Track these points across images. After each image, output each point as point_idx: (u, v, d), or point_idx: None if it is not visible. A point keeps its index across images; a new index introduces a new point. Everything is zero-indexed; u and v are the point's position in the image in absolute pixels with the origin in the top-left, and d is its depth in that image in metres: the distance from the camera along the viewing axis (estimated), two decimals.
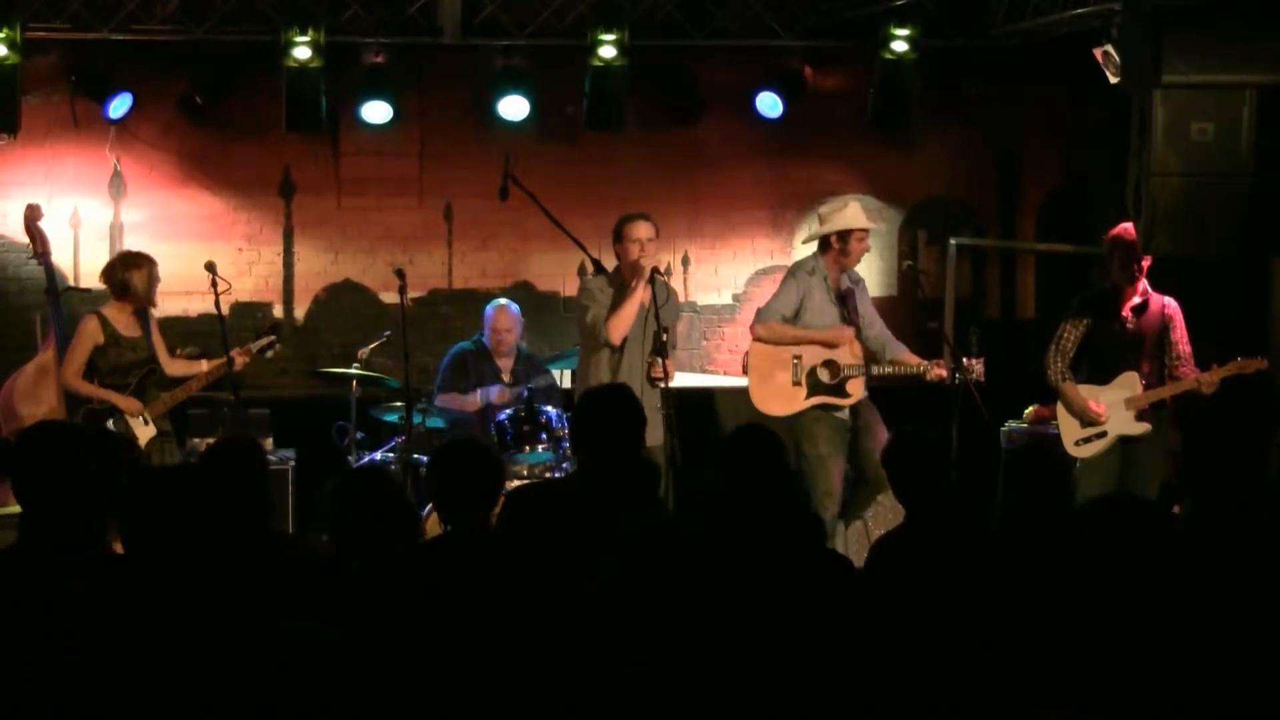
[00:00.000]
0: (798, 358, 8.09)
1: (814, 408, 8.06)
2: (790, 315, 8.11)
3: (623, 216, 7.95)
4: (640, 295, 7.72)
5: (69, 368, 7.98)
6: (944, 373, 7.94)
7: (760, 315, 8.22)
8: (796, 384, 8.08)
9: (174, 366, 8.20)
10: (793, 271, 8.27)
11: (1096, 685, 3.87)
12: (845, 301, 8.13)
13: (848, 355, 8.06)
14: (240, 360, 8.14)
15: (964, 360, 7.91)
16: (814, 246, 8.24)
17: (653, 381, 7.61)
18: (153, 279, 8.06)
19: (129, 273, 8.04)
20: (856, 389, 8.07)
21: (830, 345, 8.04)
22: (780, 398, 8.10)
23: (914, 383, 8.20)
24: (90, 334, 8.00)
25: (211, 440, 8.16)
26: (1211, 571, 4.21)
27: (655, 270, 7.71)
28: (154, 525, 3.90)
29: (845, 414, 8.11)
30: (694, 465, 7.94)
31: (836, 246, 8.09)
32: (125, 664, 3.70)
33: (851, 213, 8.11)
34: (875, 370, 8.11)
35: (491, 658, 3.89)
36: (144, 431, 7.98)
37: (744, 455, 4.48)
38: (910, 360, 8.12)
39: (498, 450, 7.98)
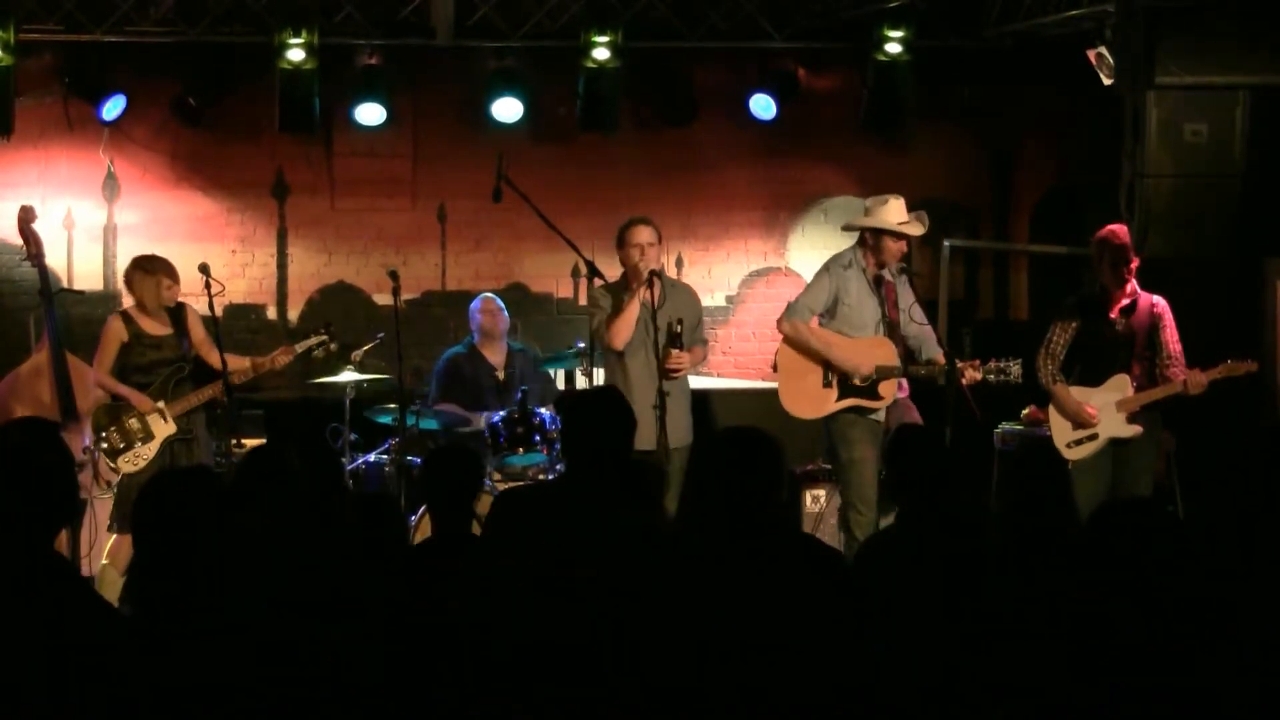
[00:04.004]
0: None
1: (846, 410, 7.92)
2: (822, 310, 7.98)
3: (625, 221, 7.98)
4: (638, 299, 7.74)
5: (98, 369, 7.96)
6: (979, 375, 7.72)
7: (789, 311, 8.03)
8: (827, 386, 7.88)
9: (215, 360, 7.98)
10: (827, 266, 8.08)
11: (1089, 687, 3.87)
12: (885, 295, 7.94)
13: (882, 356, 7.90)
14: (283, 359, 8.12)
15: (999, 363, 7.80)
16: (853, 237, 8.08)
17: (667, 374, 7.60)
18: (160, 287, 7.94)
19: (134, 274, 8.02)
20: (889, 390, 7.86)
21: (853, 371, 7.84)
22: (810, 400, 7.96)
23: (915, 384, 8.17)
24: (114, 334, 7.97)
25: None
26: (1205, 572, 4.22)
27: (653, 273, 7.71)
28: (161, 528, 3.86)
29: (880, 415, 7.92)
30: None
31: (870, 243, 7.92)
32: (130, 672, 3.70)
33: (888, 211, 7.91)
34: (910, 370, 7.92)
35: (480, 659, 3.90)
36: (162, 429, 7.91)
37: (736, 459, 4.49)
38: (944, 361, 7.79)
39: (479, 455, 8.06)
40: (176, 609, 3.70)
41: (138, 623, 3.75)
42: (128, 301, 8.17)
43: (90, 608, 3.86)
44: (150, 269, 8.01)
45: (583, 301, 10.05)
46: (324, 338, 8.32)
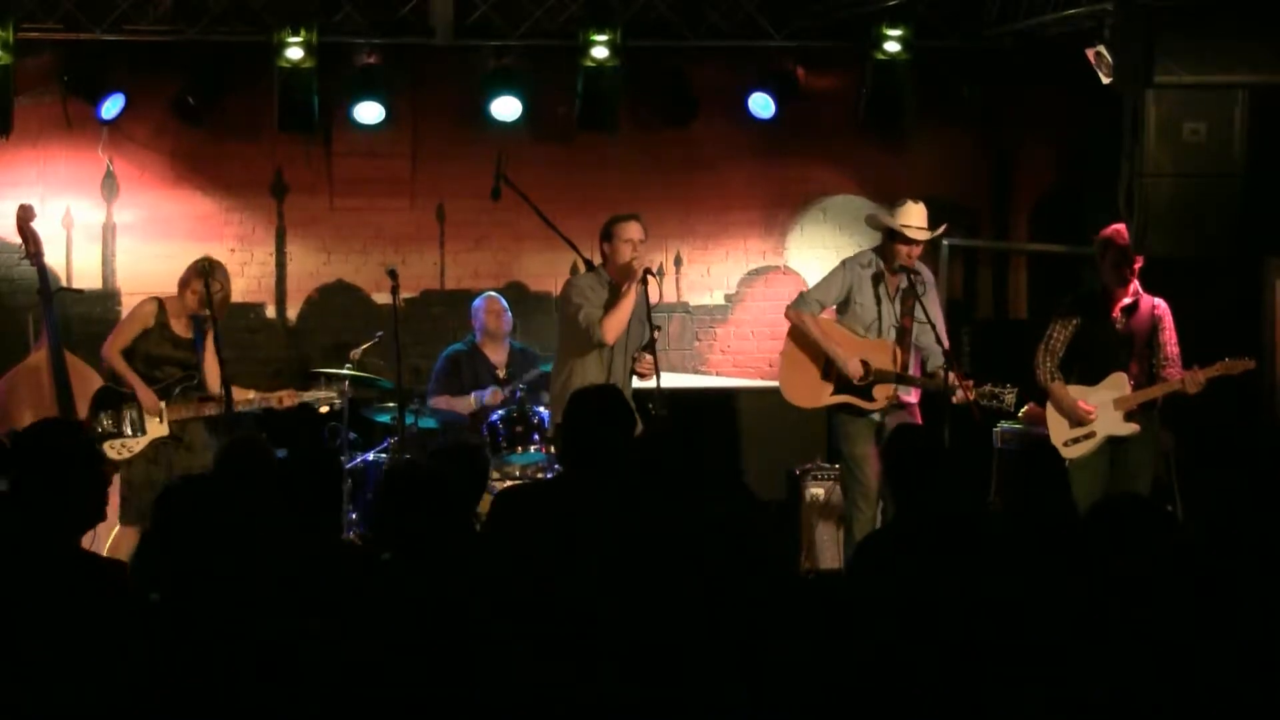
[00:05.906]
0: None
1: (839, 406, 7.97)
2: (832, 304, 8.05)
3: (614, 216, 7.92)
4: (633, 297, 7.70)
5: (114, 341, 8.05)
6: (970, 396, 7.67)
7: (798, 301, 8.16)
8: (826, 378, 7.96)
9: (213, 381, 8.04)
10: (845, 262, 8.18)
11: (1087, 687, 3.87)
12: (903, 300, 7.97)
13: (885, 359, 7.92)
14: (288, 401, 8.24)
15: (995, 388, 7.77)
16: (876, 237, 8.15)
17: (636, 376, 7.61)
18: (199, 294, 7.97)
19: (187, 275, 8.08)
20: (883, 394, 7.89)
21: (843, 366, 7.88)
22: (807, 389, 8.02)
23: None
24: (143, 315, 8.08)
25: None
26: (1208, 573, 4.22)
27: (648, 271, 7.68)
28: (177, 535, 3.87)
29: (876, 416, 7.94)
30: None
31: (885, 243, 8.01)
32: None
33: (902, 215, 7.93)
34: (909, 380, 7.92)
35: (478, 658, 3.90)
36: (155, 429, 7.97)
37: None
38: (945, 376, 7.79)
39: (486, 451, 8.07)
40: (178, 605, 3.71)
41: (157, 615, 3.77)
42: (169, 292, 8.19)
43: (126, 601, 3.88)
44: (201, 270, 8.04)
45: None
46: (333, 395, 8.43)
